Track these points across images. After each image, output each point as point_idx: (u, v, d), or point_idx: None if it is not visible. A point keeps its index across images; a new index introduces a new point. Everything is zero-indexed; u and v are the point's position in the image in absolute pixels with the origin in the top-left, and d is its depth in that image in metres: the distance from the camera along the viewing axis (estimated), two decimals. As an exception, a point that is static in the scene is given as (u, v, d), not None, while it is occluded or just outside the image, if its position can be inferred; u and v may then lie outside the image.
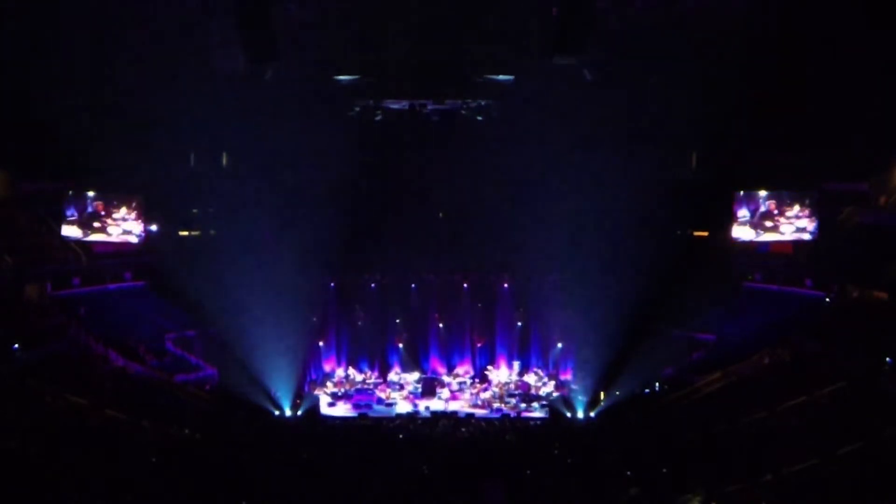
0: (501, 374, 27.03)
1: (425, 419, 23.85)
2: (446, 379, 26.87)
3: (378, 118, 24.93)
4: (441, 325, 27.87)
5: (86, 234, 25.29)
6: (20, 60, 22.14)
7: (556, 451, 19.74)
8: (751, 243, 25.21)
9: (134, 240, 25.53)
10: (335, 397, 25.91)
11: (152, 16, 21.76)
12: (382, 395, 25.92)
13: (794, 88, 22.53)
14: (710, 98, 23.56)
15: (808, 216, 24.59)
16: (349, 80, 23.87)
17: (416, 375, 27.13)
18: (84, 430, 17.98)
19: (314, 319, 27.39)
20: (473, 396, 26.02)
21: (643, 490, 15.95)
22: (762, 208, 25.04)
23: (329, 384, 26.79)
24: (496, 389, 25.93)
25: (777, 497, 15.77)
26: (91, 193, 25.23)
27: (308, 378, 26.87)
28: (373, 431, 22.40)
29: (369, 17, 21.63)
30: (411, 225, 25.79)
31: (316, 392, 26.27)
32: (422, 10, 20.34)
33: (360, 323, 27.73)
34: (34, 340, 20.42)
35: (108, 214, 25.20)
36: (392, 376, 27.25)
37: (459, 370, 27.62)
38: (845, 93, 21.71)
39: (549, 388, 26.29)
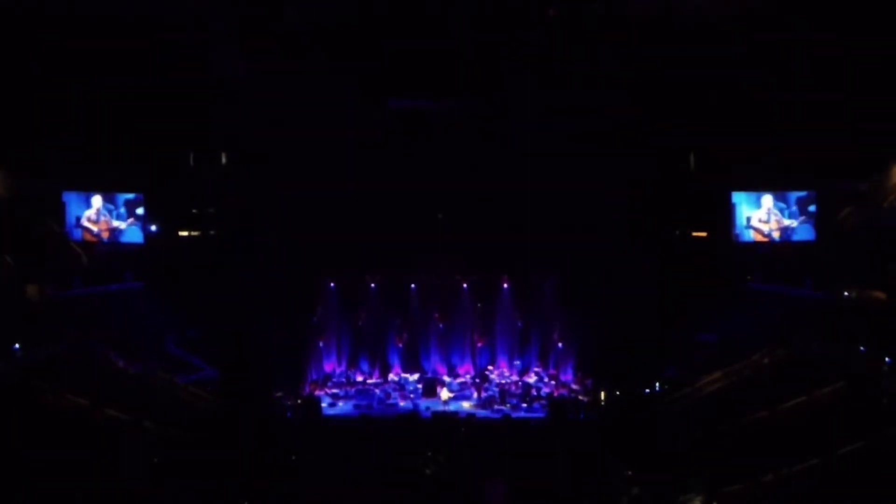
0: (502, 374, 27.04)
1: (426, 419, 23.85)
2: (447, 379, 26.88)
3: (378, 118, 24.95)
4: (441, 325, 27.87)
5: (86, 235, 25.32)
6: (20, 60, 22.18)
7: (556, 451, 19.77)
8: (751, 243, 25.26)
9: (134, 240, 25.55)
10: (336, 398, 25.92)
11: (152, 15, 21.80)
12: (383, 396, 25.92)
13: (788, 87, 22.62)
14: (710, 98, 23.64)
15: (808, 216, 24.68)
16: (348, 80, 23.90)
17: (416, 375, 27.15)
18: (84, 430, 17.98)
19: (314, 319, 27.40)
20: (474, 397, 26.03)
21: (644, 490, 15.99)
22: (761, 208, 25.10)
23: (329, 384, 26.80)
24: (496, 389, 25.93)
25: (777, 497, 15.80)
26: (91, 193, 25.27)
27: (308, 378, 26.85)
28: (373, 432, 22.41)
29: (368, 17, 21.68)
30: (411, 225, 25.78)
31: (316, 392, 26.28)
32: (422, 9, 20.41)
33: (360, 323, 27.73)
34: (34, 340, 20.38)
35: (108, 214, 25.24)
36: (392, 376, 27.27)
37: (460, 370, 27.63)
38: (844, 92, 21.75)
39: (549, 388, 26.31)
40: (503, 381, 26.44)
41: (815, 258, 24.65)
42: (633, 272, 24.45)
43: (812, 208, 24.73)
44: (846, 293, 23.24)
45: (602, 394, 24.88)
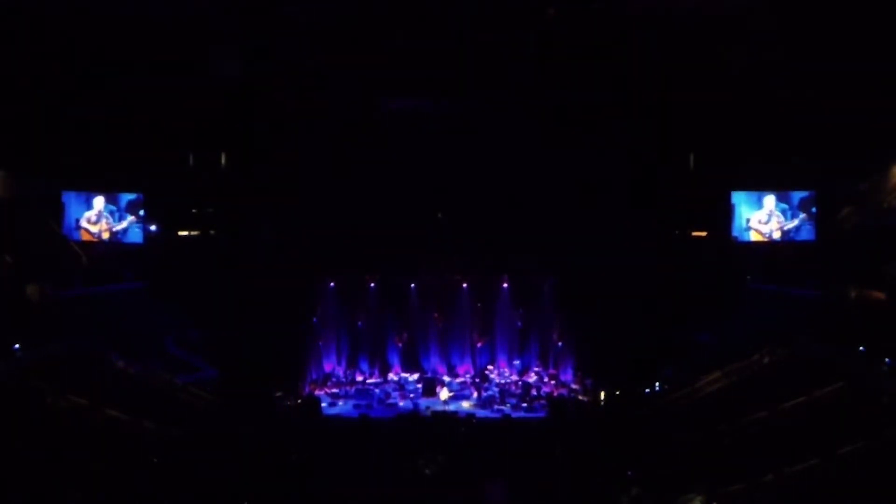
0: (502, 373, 27.03)
1: (426, 419, 23.85)
2: (446, 379, 26.88)
3: (377, 118, 24.98)
4: (441, 325, 27.87)
5: (85, 235, 25.35)
6: (21, 60, 22.19)
7: (556, 451, 19.77)
8: (751, 243, 25.28)
9: (134, 240, 25.58)
10: (335, 397, 25.92)
11: (152, 15, 21.82)
12: (383, 396, 25.91)
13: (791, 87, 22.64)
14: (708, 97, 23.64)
15: (808, 216, 24.70)
16: (348, 80, 23.94)
17: (416, 375, 27.16)
18: (84, 430, 17.98)
19: (314, 319, 27.41)
20: (474, 397, 26.02)
21: (643, 490, 15.99)
22: (762, 208, 25.13)
23: (329, 384, 26.79)
24: (496, 389, 25.93)
25: (777, 497, 15.79)
26: (91, 193, 25.31)
27: (308, 378, 26.85)
28: (373, 432, 22.41)
29: (368, 17, 21.71)
30: (411, 225, 25.80)
31: (316, 392, 26.27)
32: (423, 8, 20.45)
33: (360, 323, 27.73)
34: (34, 340, 20.38)
35: (110, 216, 25.27)
36: (392, 376, 27.27)
37: (459, 370, 27.63)
38: (844, 92, 21.76)
39: (549, 388, 26.31)
40: (503, 381, 26.45)
41: (815, 258, 24.66)
42: (633, 272, 24.44)
43: (814, 209, 24.75)
44: (846, 293, 23.26)
45: (602, 394, 24.87)
